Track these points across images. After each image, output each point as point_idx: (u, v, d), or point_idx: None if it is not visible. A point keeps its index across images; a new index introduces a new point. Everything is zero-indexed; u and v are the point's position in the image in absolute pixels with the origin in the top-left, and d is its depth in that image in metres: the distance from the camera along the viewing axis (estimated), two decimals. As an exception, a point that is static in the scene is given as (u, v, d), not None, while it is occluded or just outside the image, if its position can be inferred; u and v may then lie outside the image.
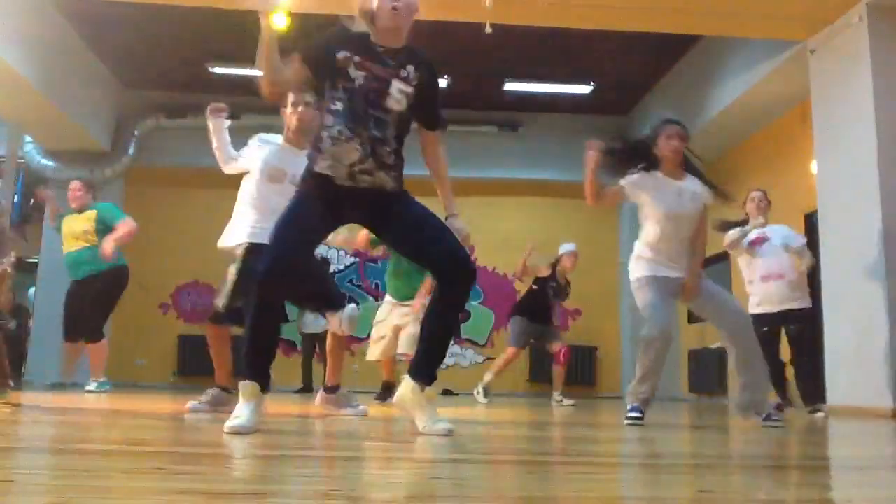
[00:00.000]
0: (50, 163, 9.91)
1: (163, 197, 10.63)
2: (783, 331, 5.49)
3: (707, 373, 9.31)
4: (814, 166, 6.65)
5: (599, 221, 11.08)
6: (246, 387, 2.44)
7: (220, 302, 3.54)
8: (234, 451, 2.04)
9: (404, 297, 5.73)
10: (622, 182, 3.76)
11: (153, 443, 2.22)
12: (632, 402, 3.68)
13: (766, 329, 5.12)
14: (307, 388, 8.06)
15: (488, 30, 6.05)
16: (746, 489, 1.58)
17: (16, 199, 9.98)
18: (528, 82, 9.80)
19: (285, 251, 2.45)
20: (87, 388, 5.90)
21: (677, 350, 10.30)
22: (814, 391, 5.50)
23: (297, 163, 3.17)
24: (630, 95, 10.32)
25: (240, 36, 8.39)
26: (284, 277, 2.46)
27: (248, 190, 3.77)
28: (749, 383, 3.69)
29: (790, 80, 7.15)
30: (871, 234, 5.69)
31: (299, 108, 3.73)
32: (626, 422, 3.58)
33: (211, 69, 9.46)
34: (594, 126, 10.78)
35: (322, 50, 2.58)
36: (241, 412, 2.40)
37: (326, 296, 3.64)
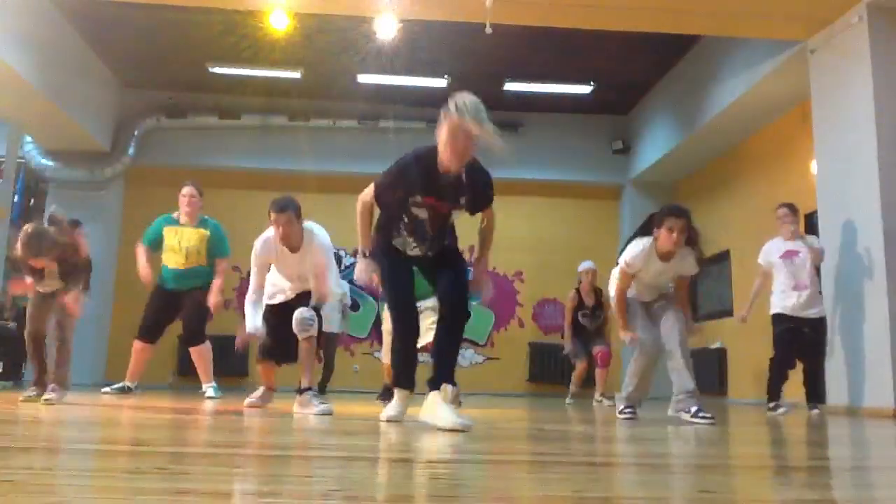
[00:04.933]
0: (50, 163, 9.92)
1: (163, 197, 10.58)
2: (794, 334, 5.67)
3: (707, 373, 9.30)
4: (814, 166, 6.65)
5: (599, 223, 11.09)
6: (400, 392, 3.25)
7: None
8: (234, 451, 2.04)
9: (420, 295, 5.69)
10: (624, 267, 4.17)
11: (153, 443, 2.22)
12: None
13: (788, 328, 5.60)
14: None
15: (488, 30, 6.06)
16: (746, 489, 1.58)
17: (16, 199, 9.98)
18: (528, 82, 9.80)
19: (404, 293, 3.26)
20: (207, 394, 5.69)
21: (677, 350, 10.31)
22: (814, 392, 5.57)
23: (292, 262, 4.34)
24: (630, 95, 10.32)
25: (240, 36, 8.45)
26: (412, 309, 3.27)
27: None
28: (681, 388, 4.10)
29: (790, 80, 7.16)
30: (871, 234, 5.69)
31: (281, 225, 4.18)
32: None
33: (211, 69, 9.46)
34: (594, 126, 10.80)
35: (392, 193, 3.16)
36: (397, 408, 3.21)
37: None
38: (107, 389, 5.84)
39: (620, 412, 4.19)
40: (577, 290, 7.13)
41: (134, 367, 5.73)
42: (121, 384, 5.73)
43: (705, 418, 3.85)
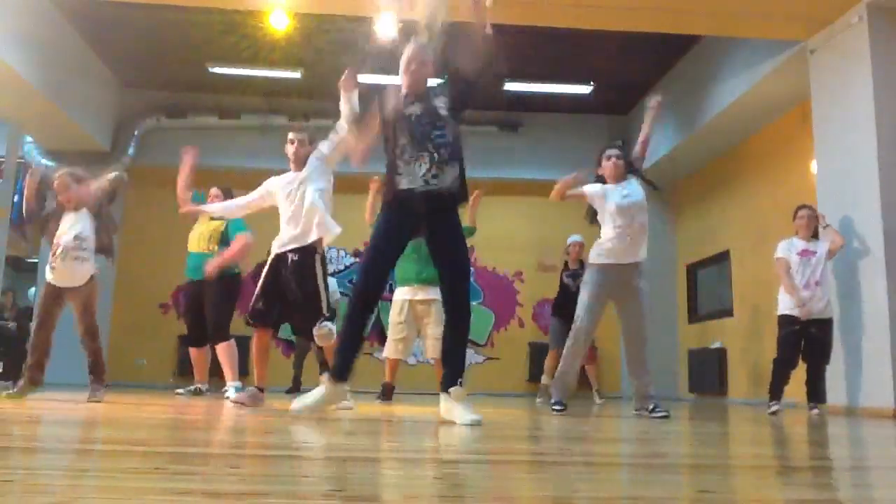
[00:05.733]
0: (50, 163, 9.90)
1: (163, 197, 10.60)
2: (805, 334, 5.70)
3: (707, 373, 9.31)
4: (814, 166, 6.65)
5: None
6: (335, 385, 3.28)
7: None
8: (234, 451, 2.04)
9: (423, 280, 5.76)
10: (584, 188, 4.84)
11: (153, 443, 2.22)
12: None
13: (794, 329, 5.65)
14: (296, 388, 8.01)
15: (488, 30, 6.06)
16: (746, 489, 1.58)
17: (16, 199, 9.97)
18: (528, 82, 9.80)
19: (375, 281, 3.27)
20: (228, 393, 5.51)
21: (677, 350, 10.31)
22: (815, 392, 5.58)
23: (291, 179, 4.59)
24: (630, 95, 10.32)
25: (240, 36, 8.45)
26: (376, 293, 3.28)
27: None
28: (638, 385, 4.59)
29: (790, 80, 7.16)
30: (871, 234, 5.69)
31: (294, 144, 4.65)
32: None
33: (211, 69, 9.46)
34: (594, 126, 10.80)
35: (383, 109, 3.44)
36: (316, 402, 3.29)
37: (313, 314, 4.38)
38: (180, 391, 6.23)
39: (553, 405, 4.64)
40: (566, 262, 7.61)
41: (197, 370, 6.07)
42: (193, 386, 6.11)
43: (660, 414, 4.36)
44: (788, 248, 5.79)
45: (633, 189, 4.74)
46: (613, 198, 4.70)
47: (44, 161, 9.91)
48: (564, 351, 4.71)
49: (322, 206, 4.46)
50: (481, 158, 10.49)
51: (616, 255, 4.64)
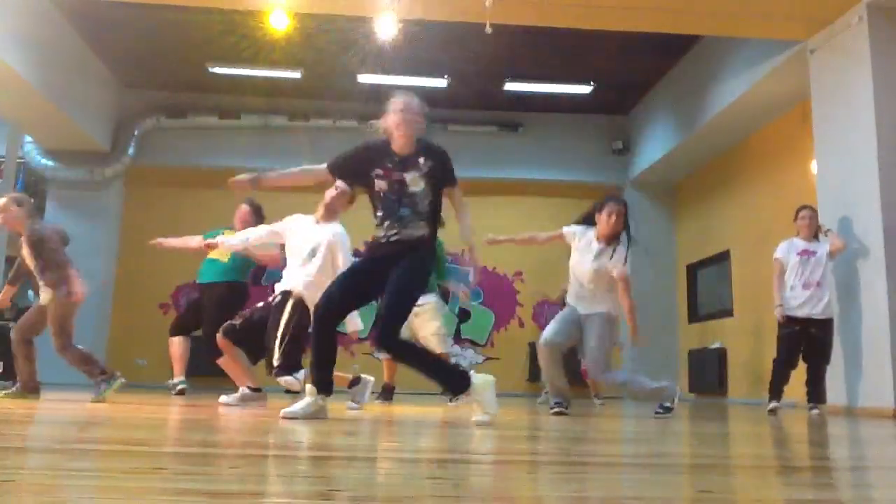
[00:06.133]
0: (50, 163, 9.92)
1: (163, 197, 10.64)
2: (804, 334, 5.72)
3: (707, 373, 9.31)
4: (814, 166, 6.65)
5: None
6: (319, 398, 3.40)
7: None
8: (234, 452, 2.04)
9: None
10: (563, 230, 4.81)
11: (153, 443, 2.22)
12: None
13: (794, 329, 5.68)
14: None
15: (488, 30, 6.06)
16: (746, 489, 1.58)
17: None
18: (528, 82, 9.80)
19: (339, 296, 3.36)
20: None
21: (677, 350, 10.31)
22: (815, 392, 5.60)
23: (325, 233, 4.59)
24: (630, 95, 10.32)
25: (240, 36, 8.45)
26: (337, 313, 3.39)
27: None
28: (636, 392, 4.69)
29: (790, 80, 7.16)
30: (871, 234, 5.69)
31: (335, 191, 4.71)
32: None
33: (211, 69, 9.46)
34: (594, 126, 10.80)
35: (351, 168, 3.57)
36: (301, 404, 3.36)
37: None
38: (173, 392, 6.03)
39: (551, 407, 4.60)
40: None
41: (175, 364, 5.95)
42: (171, 381, 5.98)
43: (660, 413, 4.48)
44: (788, 249, 5.80)
45: (604, 259, 4.52)
46: (584, 255, 4.58)
47: (44, 161, 9.92)
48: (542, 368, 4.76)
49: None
50: (481, 158, 10.50)
51: (579, 305, 4.65)
